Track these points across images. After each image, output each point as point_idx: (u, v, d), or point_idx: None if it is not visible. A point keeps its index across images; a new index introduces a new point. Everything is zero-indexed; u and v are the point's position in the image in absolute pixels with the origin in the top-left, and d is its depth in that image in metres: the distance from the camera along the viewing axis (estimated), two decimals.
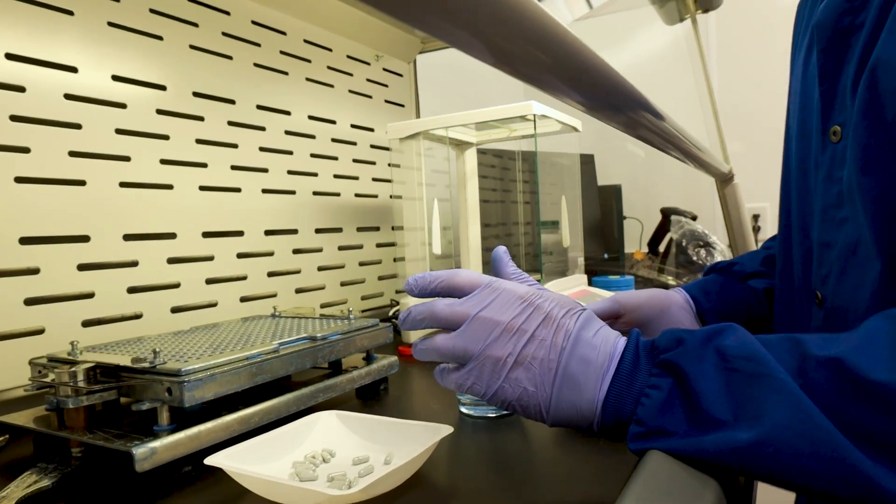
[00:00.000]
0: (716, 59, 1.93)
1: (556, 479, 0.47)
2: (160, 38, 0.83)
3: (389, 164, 1.27)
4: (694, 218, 1.72)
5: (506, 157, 1.43)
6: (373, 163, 1.24)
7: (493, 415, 0.63)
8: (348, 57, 1.19)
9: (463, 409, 0.64)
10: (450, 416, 0.63)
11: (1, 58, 0.67)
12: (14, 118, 0.67)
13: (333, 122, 1.14)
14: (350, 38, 1.18)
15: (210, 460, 0.45)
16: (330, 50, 1.14)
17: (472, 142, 1.11)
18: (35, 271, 0.69)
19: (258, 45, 0.99)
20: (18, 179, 0.67)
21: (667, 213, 1.83)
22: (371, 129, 1.24)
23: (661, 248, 1.88)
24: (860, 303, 0.43)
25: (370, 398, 0.71)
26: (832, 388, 0.33)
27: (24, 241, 0.68)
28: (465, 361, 0.42)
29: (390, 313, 1.12)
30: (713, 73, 1.93)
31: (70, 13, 0.73)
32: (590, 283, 1.26)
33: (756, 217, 1.82)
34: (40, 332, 0.69)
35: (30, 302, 0.68)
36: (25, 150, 0.68)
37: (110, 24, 0.77)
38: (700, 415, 0.36)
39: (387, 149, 1.27)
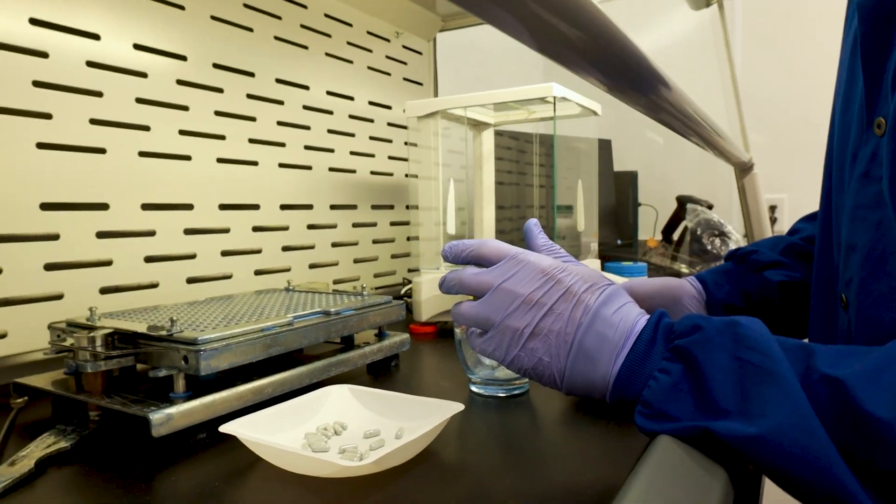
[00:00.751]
0: (741, 46, 1.90)
1: (565, 458, 0.48)
2: (182, 7, 0.83)
3: (406, 143, 1.27)
4: (710, 207, 1.71)
5: (522, 140, 1.42)
6: (389, 140, 1.24)
7: (503, 394, 0.63)
8: (368, 33, 1.18)
9: (473, 388, 0.65)
10: (460, 395, 0.63)
11: (25, 23, 0.67)
12: (37, 84, 0.68)
13: (351, 98, 1.14)
14: (371, 13, 1.18)
15: (225, 428, 0.46)
16: (350, 25, 1.13)
17: (490, 122, 1.11)
18: (55, 237, 0.69)
19: (279, 17, 0.98)
20: (40, 145, 0.68)
21: (682, 201, 1.81)
22: (389, 107, 1.24)
23: (676, 235, 1.87)
24: (885, 313, 0.42)
25: (381, 374, 0.72)
26: (830, 407, 0.33)
27: (45, 206, 0.69)
28: (488, 328, 0.44)
29: (402, 291, 1.12)
30: (737, 60, 1.90)
31: None
32: (602, 269, 1.25)
33: (773, 208, 1.80)
34: (59, 297, 0.70)
35: (49, 267, 0.69)
36: (47, 116, 0.68)
37: None
38: (707, 402, 0.36)
39: (404, 127, 1.27)
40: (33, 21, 0.67)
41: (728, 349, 0.37)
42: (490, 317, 0.44)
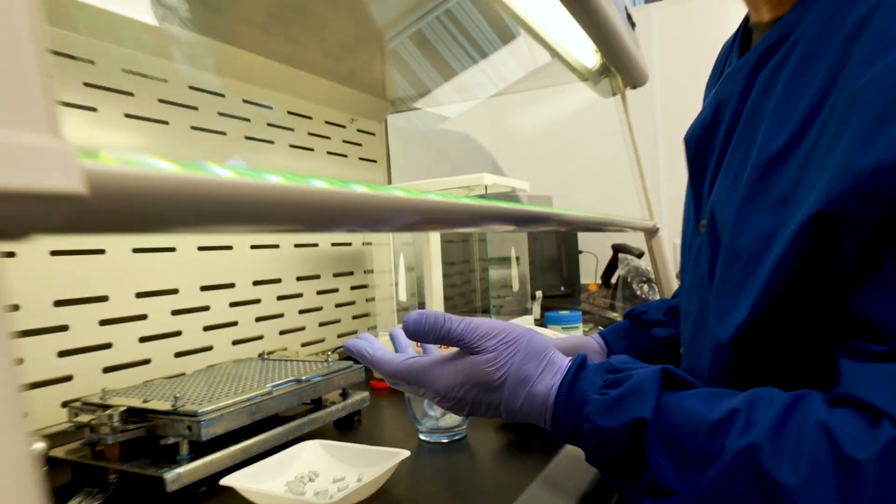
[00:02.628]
0: (659, 85, 2.15)
1: (492, 488, 0.63)
2: (166, 122, 0.98)
3: None
4: (640, 255, 1.90)
5: None
6: None
7: (446, 440, 0.78)
8: (326, 122, 1.35)
9: (421, 436, 0.80)
10: (411, 442, 0.78)
11: None
12: None
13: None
14: (328, 106, 1.35)
15: (225, 481, 0.59)
16: (310, 118, 1.30)
17: None
18: (65, 328, 0.82)
19: (248, 120, 1.14)
20: (53, 252, 0.82)
21: (617, 250, 2.01)
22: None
23: (613, 280, 2.06)
24: (704, 365, 0.58)
25: (346, 428, 0.86)
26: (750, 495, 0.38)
27: (58, 303, 0.82)
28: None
29: None
30: (657, 91, 2.14)
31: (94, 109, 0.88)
32: (543, 318, 1.42)
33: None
34: (69, 378, 0.83)
35: (62, 354, 0.82)
36: None
37: (127, 115, 0.92)
38: (624, 468, 0.44)
39: None
40: None
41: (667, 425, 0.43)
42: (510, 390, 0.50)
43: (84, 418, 0.71)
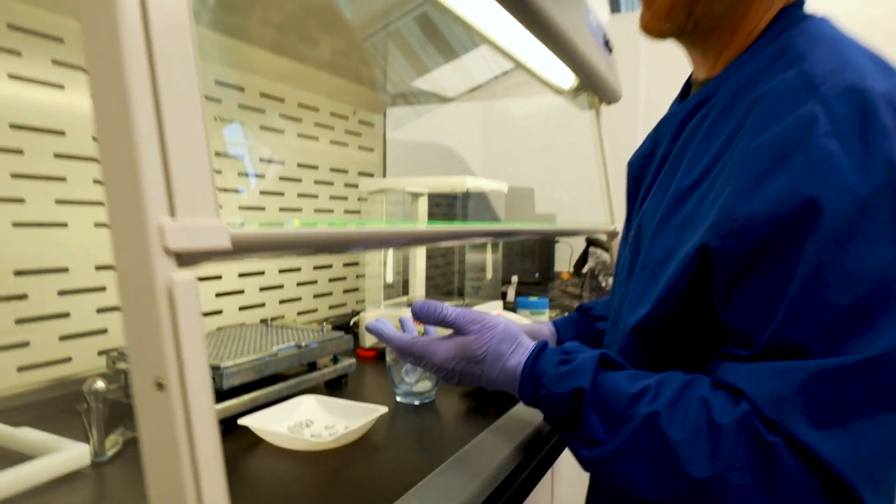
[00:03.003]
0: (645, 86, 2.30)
1: (452, 440, 0.80)
2: None
3: (359, 199, 1.58)
4: (607, 249, 2.07)
5: (450, 197, 1.75)
6: (345, 198, 1.55)
7: (417, 403, 0.95)
8: (331, 114, 1.49)
9: (397, 398, 0.96)
10: (389, 402, 0.95)
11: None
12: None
13: (317, 167, 1.45)
14: (334, 98, 1.48)
15: (242, 421, 0.76)
16: (317, 110, 1.44)
17: (425, 192, 1.43)
18: (103, 288, 0.98)
19: (263, 111, 1.28)
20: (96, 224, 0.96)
21: (589, 242, 2.18)
22: (345, 171, 1.55)
23: (584, 271, 2.23)
24: (615, 350, 0.73)
25: (335, 387, 1.03)
26: (649, 448, 0.52)
27: (99, 267, 0.97)
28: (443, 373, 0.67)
29: (351, 322, 1.43)
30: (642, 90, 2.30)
31: None
32: (514, 301, 1.59)
33: None
34: (104, 331, 0.98)
35: (100, 310, 0.97)
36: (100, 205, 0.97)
37: None
38: (567, 424, 0.60)
39: (355, 185, 1.58)
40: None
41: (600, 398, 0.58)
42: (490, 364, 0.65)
43: (122, 365, 0.87)
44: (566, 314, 1.04)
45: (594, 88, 1.31)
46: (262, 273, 1.29)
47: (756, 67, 0.61)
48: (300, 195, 1.40)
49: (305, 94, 1.40)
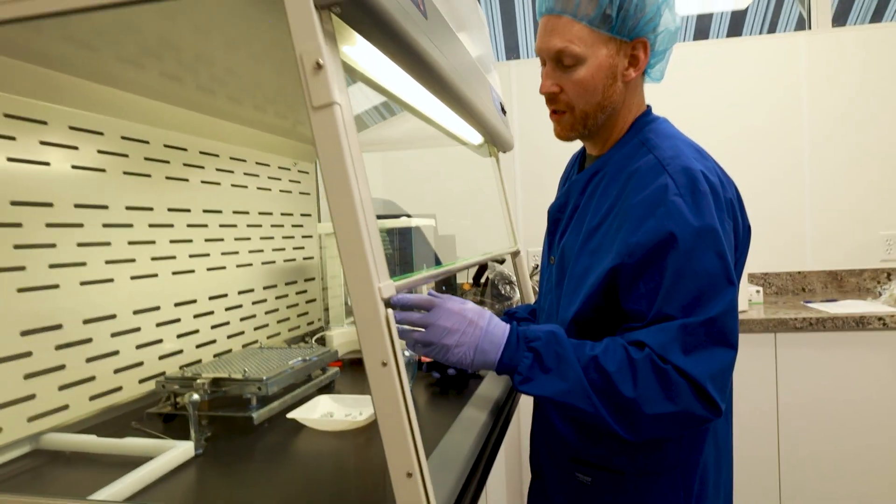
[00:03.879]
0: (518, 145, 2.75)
1: (446, 411, 1.13)
2: (149, 175, 1.34)
3: (303, 237, 1.86)
4: (502, 262, 2.50)
5: (392, 232, 2.07)
6: (292, 237, 1.82)
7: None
8: (279, 167, 1.76)
9: None
10: None
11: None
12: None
13: (270, 213, 1.71)
14: (281, 154, 1.76)
15: (291, 415, 1.04)
16: (268, 165, 1.71)
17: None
18: (139, 329, 1.20)
19: (231, 171, 1.53)
20: (129, 277, 1.19)
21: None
22: (291, 214, 1.82)
23: (482, 280, 2.64)
24: None
25: (329, 391, 1.32)
26: (597, 379, 0.84)
27: (136, 311, 1.19)
28: (429, 345, 0.87)
29: (314, 339, 1.70)
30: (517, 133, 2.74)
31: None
32: None
33: (536, 267, 2.67)
34: (140, 364, 1.21)
35: (139, 346, 1.20)
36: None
37: (126, 172, 1.29)
38: (542, 369, 0.92)
39: (300, 225, 1.85)
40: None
41: (552, 346, 0.96)
42: (432, 339, 0.85)
43: (172, 387, 1.11)
44: None
45: (494, 142, 1.71)
46: (240, 306, 1.54)
47: (628, 151, 1.00)
48: (262, 238, 1.66)
49: (260, 153, 1.67)
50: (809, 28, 2.72)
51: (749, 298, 2.38)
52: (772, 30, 3.54)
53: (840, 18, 3.40)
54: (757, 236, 2.65)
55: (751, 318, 2.12)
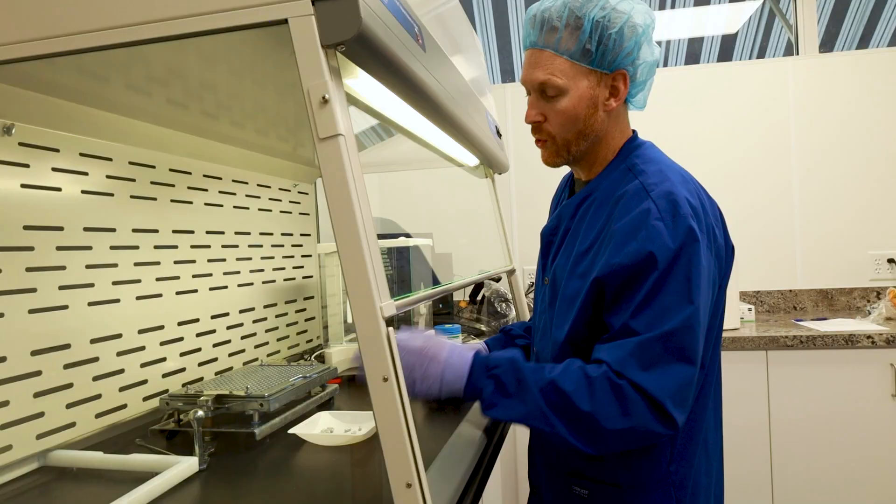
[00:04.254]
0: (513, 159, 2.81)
1: (442, 427, 1.16)
2: (155, 199, 1.37)
3: (302, 256, 1.89)
4: (498, 280, 2.53)
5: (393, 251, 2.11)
6: (292, 256, 1.86)
7: None
8: (280, 189, 1.80)
9: None
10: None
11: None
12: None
13: (271, 233, 1.75)
14: (281, 176, 1.80)
15: (292, 430, 1.07)
16: (269, 187, 1.75)
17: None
18: (143, 348, 1.23)
19: (234, 193, 1.58)
20: (134, 298, 1.22)
21: None
22: (291, 234, 1.86)
23: (479, 298, 2.68)
24: (546, 357, 1.13)
25: (327, 407, 1.35)
26: (555, 401, 0.94)
27: (141, 331, 1.22)
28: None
29: (313, 355, 1.73)
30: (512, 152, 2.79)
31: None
32: (433, 327, 1.98)
33: (531, 285, 2.71)
34: (144, 382, 1.23)
35: (144, 365, 1.23)
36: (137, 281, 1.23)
37: (133, 196, 1.33)
38: (504, 394, 0.99)
39: (300, 245, 1.89)
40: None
41: (511, 373, 1.02)
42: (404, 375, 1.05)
43: (176, 404, 1.14)
44: (473, 335, 1.44)
45: (490, 165, 1.76)
46: (241, 325, 1.57)
47: (616, 177, 1.05)
48: (263, 258, 1.69)
49: (261, 175, 1.71)
50: (797, 53, 2.80)
51: (741, 316, 2.42)
52: (761, 55, 3.62)
53: (827, 44, 3.48)
54: (749, 255, 2.73)
55: (743, 335, 2.16)
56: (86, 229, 1.13)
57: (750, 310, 2.46)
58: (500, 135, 1.76)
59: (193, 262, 1.41)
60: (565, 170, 1.21)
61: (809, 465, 2.14)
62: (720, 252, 1.00)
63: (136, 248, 1.25)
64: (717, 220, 1.01)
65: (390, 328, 0.67)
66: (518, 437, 2.32)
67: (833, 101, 2.64)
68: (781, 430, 2.16)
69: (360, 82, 0.88)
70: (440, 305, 2.70)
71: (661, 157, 1.07)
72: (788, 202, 2.68)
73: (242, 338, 1.57)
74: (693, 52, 3.57)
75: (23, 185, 1.01)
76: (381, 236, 1.74)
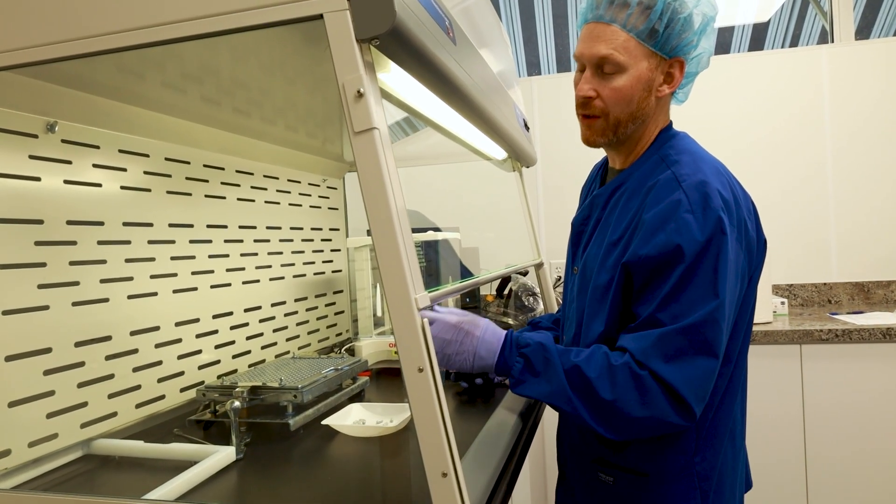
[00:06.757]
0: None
1: (472, 418, 1.17)
2: (190, 194, 1.40)
3: (331, 251, 1.92)
4: (525, 274, 2.53)
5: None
6: (321, 251, 1.88)
7: None
8: (309, 184, 1.82)
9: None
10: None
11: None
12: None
13: (301, 228, 1.77)
14: (309, 171, 1.82)
15: (326, 421, 1.09)
16: (299, 182, 1.77)
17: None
18: (180, 340, 1.26)
19: (265, 189, 1.60)
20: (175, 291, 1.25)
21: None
22: (321, 229, 1.88)
23: (505, 292, 2.68)
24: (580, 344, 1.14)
25: (360, 399, 1.36)
26: (577, 382, 0.98)
27: (178, 323, 1.25)
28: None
29: (343, 348, 1.75)
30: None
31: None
32: None
33: (559, 278, 2.70)
34: (181, 373, 1.26)
35: (181, 356, 1.26)
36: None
37: (169, 191, 1.36)
38: (534, 372, 1.01)
39: (329, 239, 1.91)
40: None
41: (540, 355, 1.02)
42: (439, 349, 1.00)
43: (212, 395, 1.17)
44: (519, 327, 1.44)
45: (518, 158, 1.75)
46: (272, 318, 1.60)
47: (649, 167, 1.04)
48: (293, 252, 1.72)
49: (291, 170, 1.73)
50: (832, 41, 2.73)
51: (774, 310, 2.38)
52: (794, 43, 3.54)
53: (863, 31, 3.39)
54: (782, 248, 2.68)
55: (776, 329, 2.12)
56: (125, 224, 1.16)
57: (783, 303, 2.42)
58: (527, 128, 1.75)
59: (227, 256, 1.44)
60: (593, 161, 1.20)
61: (844, 463, 2.10)
62: (751, 246, 0.98)
63: (173, 242, 1.28)
64: (749, 214, 1.00)
65: (425, 319, 0.67)
66: (546, 423, 2.32)
67: (869, 90, 2.57)
68: (816, 425, 2.12)
69: (392, 76, 0.89)
70: (467, 300, 2.71)
71: (695, 147, 1.05)
72: (823, 194, 2.62)
73: (274, 331, 1.60)
74: (723, 41, 3.51)
75: (66, 182, 1.04)
76: (414, 230, 1.75)
